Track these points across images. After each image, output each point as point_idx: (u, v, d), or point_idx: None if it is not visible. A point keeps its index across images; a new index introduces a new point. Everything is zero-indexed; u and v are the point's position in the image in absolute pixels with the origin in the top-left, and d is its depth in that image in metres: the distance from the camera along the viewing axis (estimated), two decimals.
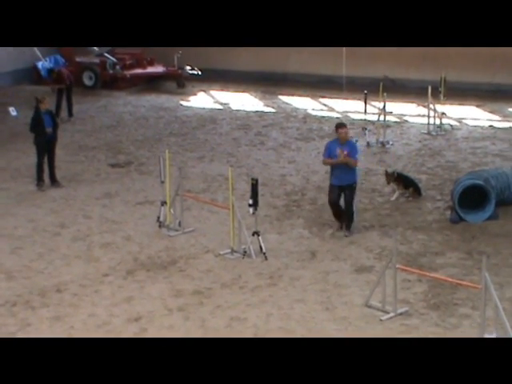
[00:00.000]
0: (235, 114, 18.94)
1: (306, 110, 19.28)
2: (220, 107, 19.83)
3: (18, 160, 15.17)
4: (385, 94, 15.97)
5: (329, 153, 11.30)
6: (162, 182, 11.66)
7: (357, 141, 15.95)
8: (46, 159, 13.56)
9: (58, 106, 17.85)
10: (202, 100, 20.62)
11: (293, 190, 13.41)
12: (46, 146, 13.49)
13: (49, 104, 13.80)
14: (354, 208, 11.34)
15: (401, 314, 8.88)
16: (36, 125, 13.43)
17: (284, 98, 20.43)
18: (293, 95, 20.45)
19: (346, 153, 11.06)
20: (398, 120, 17.82)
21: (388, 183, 12.99)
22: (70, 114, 18.31)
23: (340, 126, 11.47)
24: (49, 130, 13.41)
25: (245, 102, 20.23)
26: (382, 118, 16.13)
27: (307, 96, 20.37)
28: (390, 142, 16.01)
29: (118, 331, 8.62)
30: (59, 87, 18.16)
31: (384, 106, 16.12)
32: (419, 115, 18.00)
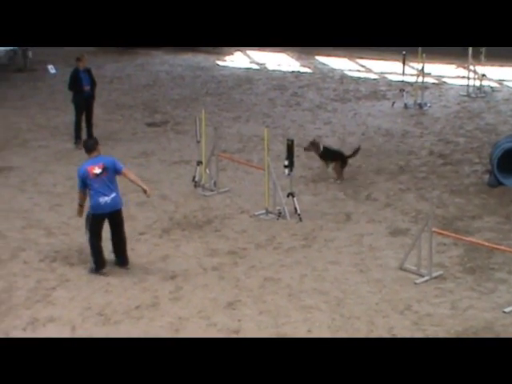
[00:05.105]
0: (271, 75, 18.83)
1: (342, 70, 19.09)
2: (256, 67, 19.72)
3: (56, 118, 15.32)
4: (424, 55, 15.72)
5: None
6: (198, 142, 11.69)
7: (394, 103, 15.88)
8: (83, 117, 13.67)
9: None
10: (239, 60, 20.51)
11: None
12: (83, 105, 13.59)
13: (87, 62, 13.85)
14: (86, 238, 9.19)
15: (436, 277, 8.85)
16: (74, 83, 13.52)
17: (321, 59, 20.22)
18: (330, 56, 20.23)
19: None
20: (436, 82, 17.55)
21: (305, 150, 12.05)
22: None
23: None
24: (87, 88, 13.49)
25: (281, 62, 20.08)
26: (420, 79, 15.90)
27: (344, 57, 20.13)
28: (428, 104, 15.81)
29: (153, 289, 8.74)
30: None
31: (423, 68, 15.87)
32: (458, 77, 17.72)
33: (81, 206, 9.20)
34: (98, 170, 8.89)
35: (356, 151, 12.01)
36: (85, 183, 8.95)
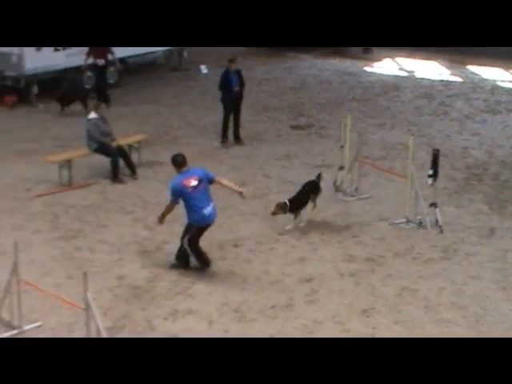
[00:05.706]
0: (419, 83, 18.52)
1: (495, 81, 18.48)
2: (405, 74, 19.46)
3: (205, 117, 15.81)
4: None
5: None
6: (342, 147, 11.72)
7: None
8: (231, 117, 14.04)
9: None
10: (387, 66, 20.31)
11: (474, 164, 12.99)
12: (232, 105, 13.95)
13: (239, 63, 14.21)
14: (186, 244, 9.25)
15: None
16: (224, 83, 13.91)
17: (472, 68, 19.66)
18: (482, 65, 19.64)
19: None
20: None
21: (273, 214, 10.47)
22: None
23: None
24: (236, 88, 13.84)
25: (431, 70, 19.72)
26: None
27: (498, 66, 19.47)
28: None
29: (289, 290, 8.86)
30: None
31: None
32: None
33: (164, 216, 9.33)
34: (194, 183, 9.09)
35: (319, 176, 10.96)
36: (178, 197, 9.09)
